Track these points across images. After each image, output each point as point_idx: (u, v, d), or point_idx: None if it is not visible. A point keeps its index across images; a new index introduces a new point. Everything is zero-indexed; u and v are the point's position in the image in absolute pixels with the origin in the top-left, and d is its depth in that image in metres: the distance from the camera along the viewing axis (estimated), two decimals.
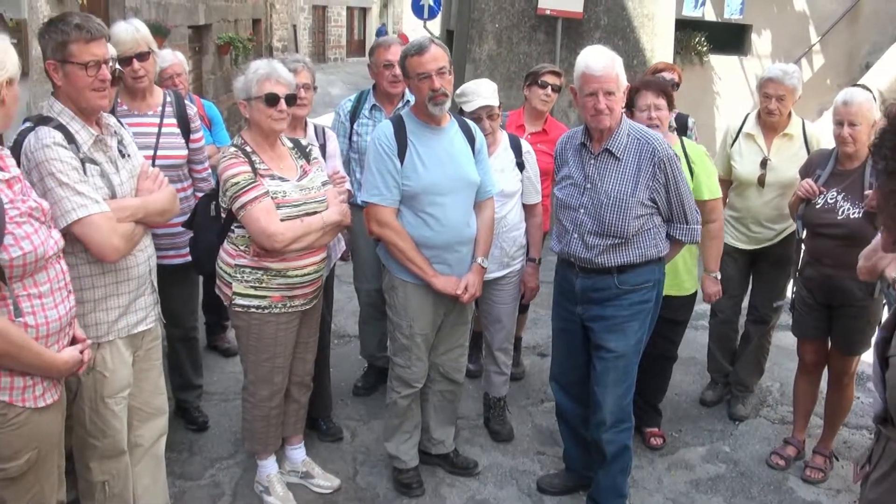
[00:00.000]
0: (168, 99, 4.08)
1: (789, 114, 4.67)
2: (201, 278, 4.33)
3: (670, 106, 4.15)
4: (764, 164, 4.62)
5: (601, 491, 3.81)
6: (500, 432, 4.57)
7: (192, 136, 4.13)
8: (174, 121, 4.06)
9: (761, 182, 4.61)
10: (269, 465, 3.93)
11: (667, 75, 4.89)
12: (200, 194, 4.05)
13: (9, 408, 2.47)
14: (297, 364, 3.84)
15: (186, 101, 4.22)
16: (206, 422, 4.58)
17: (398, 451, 4.02)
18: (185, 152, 4.07)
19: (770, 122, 4.65)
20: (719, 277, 4.41)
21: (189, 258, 4.02)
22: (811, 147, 4.63)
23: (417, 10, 15.53)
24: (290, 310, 3.60)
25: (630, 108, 4.12)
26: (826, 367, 4.38)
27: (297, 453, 4.09)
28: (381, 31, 14.99)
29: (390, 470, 4.14)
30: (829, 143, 4.34)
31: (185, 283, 4.26)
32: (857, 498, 4.04)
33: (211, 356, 5.49)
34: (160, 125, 3.99)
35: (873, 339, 3.62)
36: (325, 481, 4.04)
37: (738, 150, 4.74)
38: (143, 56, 3.85)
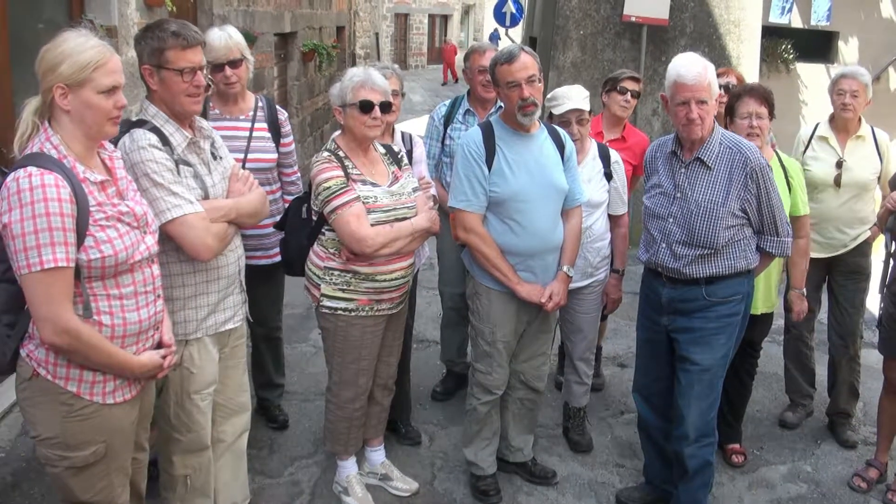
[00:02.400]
0: (260, 104, 4.16)
1: (860, 118, 4.66)
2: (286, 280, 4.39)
3: (771, 115, 4.06)
4: (839, 164, 4.59)
5: None
6: (579, 442, 4.54)
7: (283, 141, 4.20)
8: (265, 125, 4.13)
9: (837, 182, 4.57)
10: (349, 466, 3.98)
11: (722, 80, 4.77)
12: (290, 197, 4.12)
13: (76, 399, 2.53)
14: (382, 367, 3.87)
15: (278, 107, 4.30)
16: (287, 420, 4.65)
17: (476, 458, 4.02)
18: (274, 156, 4.14)
19: (844, 121, 4.63)
20: (805, 294, 4.32)
21: (275, 259, 4.11)
22: (881, 150, 4.64)
23: (500, 17, 15.48)
24: (376, 313, 3.63)
25: (730, 115, 4.06)
26: None
27: (377, 455, 4.12)
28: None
29: (468, 476, 4.14)
30: None
31: (270, 284, 4.33)
32: None
33: (293, 355, 5.58)
34: (251, 129, 4.07)
35: None
36: (403, 484, 4.07)
37: (812, 154, 4.70)
38: (235, 63, 3.92)
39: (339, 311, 3.59)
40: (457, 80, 29.58)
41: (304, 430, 4.61)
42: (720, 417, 4.06)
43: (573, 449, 4.53)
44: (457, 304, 4.80)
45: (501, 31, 16.15)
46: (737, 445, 4.52)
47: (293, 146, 4.32)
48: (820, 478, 4.42)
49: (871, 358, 5.12)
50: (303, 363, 5.52)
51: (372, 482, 4.06)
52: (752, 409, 4.75)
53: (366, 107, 3.46)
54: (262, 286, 4.14)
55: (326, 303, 3.59)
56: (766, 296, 4.17)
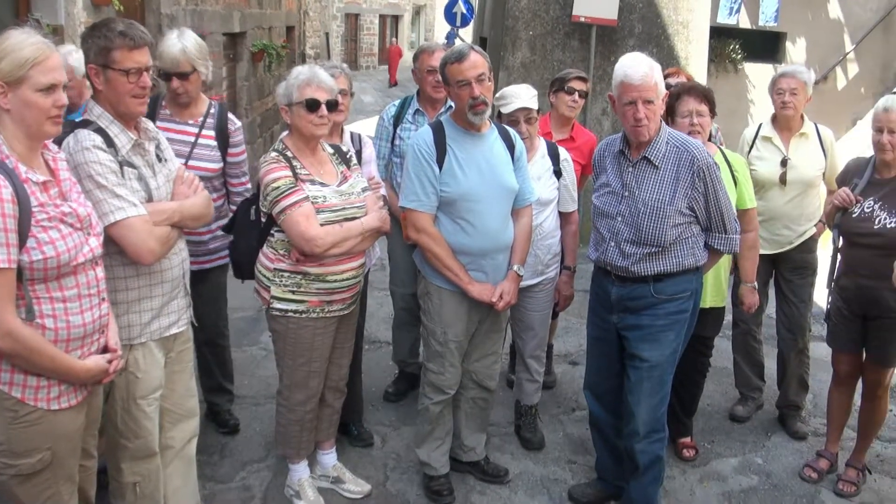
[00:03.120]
0: (212, 110, 4.10)
1: (802, 116, 4.74)
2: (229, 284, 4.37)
3: (712, 113, 4.11)
4: (784, 162, 4.68)
5: (633, 501, 3.79)
6: (531, 440, 4.55)
7: (232, 150, 4.14)
8: (213, 133, 4.06)
9: (783, 180, 4.65)
10: (300, 470, 3.94)
11: (672, 80, 4.83)
12: (234, 207, 4.07)
13: (20, 405, 2.49)
14: (333, 369, 3.84)
15: (231, 115, 4.21)
16: (238, 425, 4.60)
17: (429, 458, 4.02)
18: (219, 165, 4.08)
19: (786, 119, 4.71)
20: (756, 288, 4.39)
21: (217, 263, 4.11)
22: (826, 147, 4.73)
23: (450, 17, 15.53)
24: (327, 315, 3.61)
25: (671, 114, 4.10)
26: (860, 379, 4.32)
27: (329, 458, 4.09)
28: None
29: (421, 476, 4.14)
30: (850, 148, 4.33)
31: (211, 287, 4.30)
32: None
33: (243, 359, 5.52)
34: (198, 136, 4.01)
35: None
36: (355, 486, 4.05)
37: (757, 154, 4.77)
38: (183, 76, 3.86)
39: (290, 313, 3.56)
40: (396, 84, 29.37)
41: (254, 434, 4.56)
42: (671, 413, 4.11)
43: (525, 447, 4.55)
44: (408, 305, 4.79)
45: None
46: (688, 440, 4.58)
47: (244, 156, 4.24)
48: (771, 469, 4.49)
49: (819, 351, 5.21)
50: (253, 366, 5.47)
51: (324, 485, 4.03)
52: (702, 404, 4.81)
53: (312, 105, 3.43)
54: (203, 290, 4.09)
55: (277, 305, 3.56)
56: (715, 290, 4.22)
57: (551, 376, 5.30)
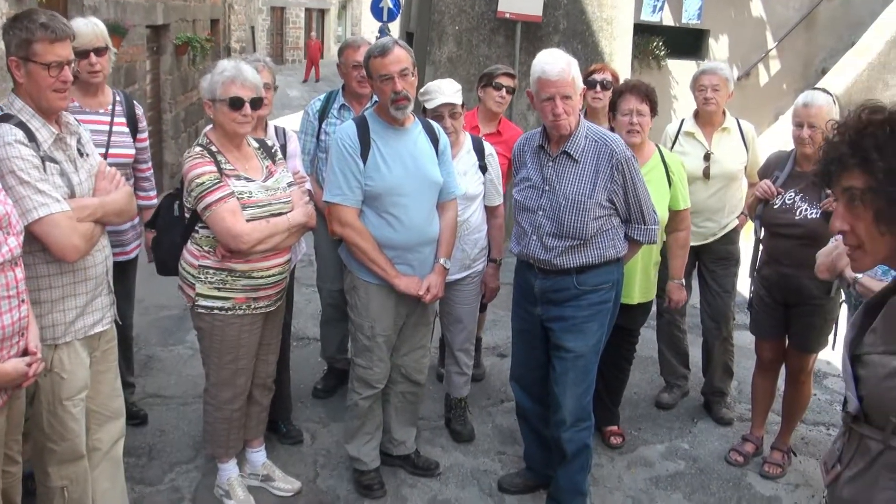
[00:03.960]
0: (118, 98, 4.13)
1: (724, 111, 4.84)
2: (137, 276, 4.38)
3: (653, 112, 4.16)
4: (707, 157, 4.76)
5: (561, 489, 3.84)
6: (461, 433, 4.58)
7: (140, 136, 4.20)
8: (124, 120, 4.10)
9: (706, 174, 4.74)
10: (229, 469, 3.90)
11: (598, 76, 4.91)
12: (143, 193, 4.21)
13: None
14: (260, 366, 3.82)
15: (135, 101, 4.30)
16: (147, 416, 4.57)
17: (359, 453, 4.02)
18: (133, 151, 4.13)
19: (708, 115, 4.80)
20: (685, 284, 4.49)
21: (129, 255, 4.11)
22: (747, 141, 4.84)
23: (377, 12, 15.49)
24: (254, 311, 3.58)
25: (613, 111, 4.15)
26: (784, 365, 4.45)
27: (258, 456, 4.06)
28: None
29: (351, 472, 4.13)
30: (772, 142, 4.44)
31: (120, 280, 4.23)
32: (817, 493, 4.14)
33: (170, 358, 5.45)
34: (111, 123, 4.02)
35: (839, 338, 3.71)
36: (285, 484, 4.02)
37: (680, 149, 4.85)
38: (100, 51, 3.88)
39: (216, 311, 3.52)
40: (318, 80, 29.09)
41: (183, 435, 4.50)
42: (598, 401, 4.18)
43: (455, 439, 4.57)
44: (336, 301, 4.77)
45: (377, 26, 16.21)
46: (615, 427, 4.66)
47: (147, 142, 4.34)
48: (697, 454, 4.60)
49: (743, 339, 5.35)
50: (180, 366, 5.38)
51: (254, 483, 4.00)
52: (629, 392, 4.90)
53: (236, 104, 3.39)
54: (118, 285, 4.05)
55: (202, 302, 3.51)
56: (643, 287, 4.29)
57: (480, 369, 5.34)
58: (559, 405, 3.70)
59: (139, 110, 4.24)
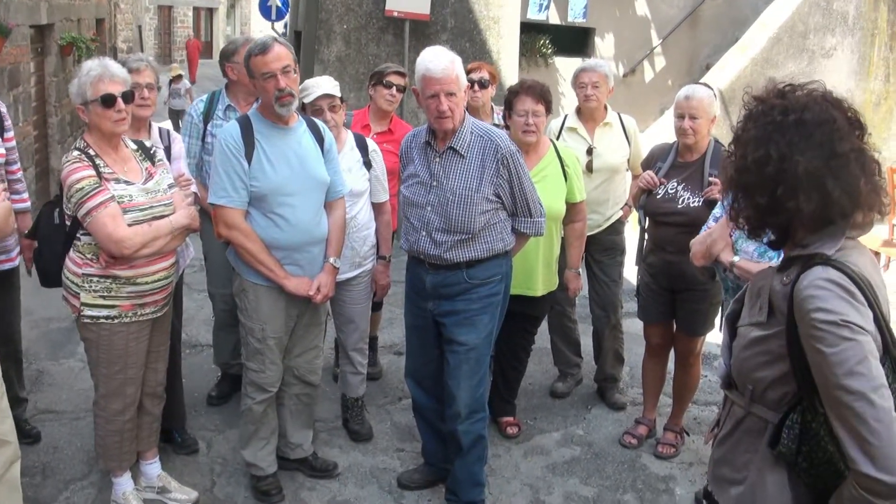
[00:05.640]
0: None
1: (605, 107, 4.97)
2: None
3: (548, 111, 4.24)
4: (590, 151, 4.88)
5: (458, 481, 3.88)
6: (358, 432, 4.57)
7: (6, 136, 4.03)
8: None
9: (590, 168, 4.84)
10: (124, 483, 3.80)
11: (475, 75, 4.99)
12: (16, 196, 4.03)
13: None
14: (149, 374, 3.73)
15: None
16: (40, 433, 4.41)
17: (255, 459, 3.96)
18: (3, 151, 3.97)
19: (589, 111, 4.91)
20: (579, 273, 4.59)
21: (9, 265, 3.95)
22: (629, 135, 4.98)
23: (265, 11, 15.35)
24: (140, 318, 3.50)
25: (509, 110, 4.21)
26: (672, 349, 4.60)
27: (153, 468, 3.96)
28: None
29: (248, 478, 4.07)
30: (658, 136, 4.57)
31: (5, 290, 4.11)
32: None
33: (60, 372, 5.26)
34: None
35: (719, 317, 3.87)
36: (182, 495, 3.93)
37: (564, 144, 4.88)
38: None
39: (102, 320, 3.43)
40: (194, 82, 28.46)
41: (76, 451, 4.34)
42: (495, 393, 4.24)
43: (353, 439, 4.56)
44: (228, 305, 4.66)
45: (266, 25, 16.05)
46: (511, 418, 4.73)
47: (14, 142, 4.17)
48: (592, 439, 4.71)
49: (633, 325, 5.47)
50: (71, 379, 5.19)
51: (150, 496, 3.90)
52: (524, 383, 4.96)
53: (108, 101, 3.30)
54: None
55: (87, 312, 3.42)
56: (546, 278, 4.36)
57: (377, 367, 5.34)
58: (453, 398, 3.73)
59: (2, 108, 4.05)
